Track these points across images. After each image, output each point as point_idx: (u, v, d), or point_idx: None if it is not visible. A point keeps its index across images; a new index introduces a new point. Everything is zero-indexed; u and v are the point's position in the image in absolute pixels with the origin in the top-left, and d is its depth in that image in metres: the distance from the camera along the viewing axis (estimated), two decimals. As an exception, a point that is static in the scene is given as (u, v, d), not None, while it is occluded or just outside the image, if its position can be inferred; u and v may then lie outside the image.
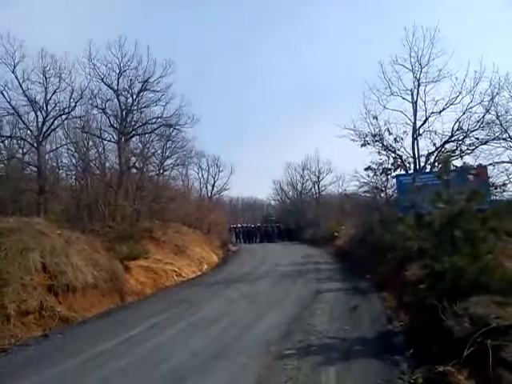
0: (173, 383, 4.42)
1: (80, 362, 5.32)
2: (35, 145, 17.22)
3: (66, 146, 19.38)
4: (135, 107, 20.17)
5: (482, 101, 14.25)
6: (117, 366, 5.11)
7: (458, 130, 14.79)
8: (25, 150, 18.97)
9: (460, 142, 14.93)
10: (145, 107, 20.58)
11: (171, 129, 21.69)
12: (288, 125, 68.25)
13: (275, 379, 4.37)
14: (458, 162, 14.34)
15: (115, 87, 19.41)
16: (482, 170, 12.98)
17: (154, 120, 20.75)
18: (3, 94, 16.43)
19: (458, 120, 14.74)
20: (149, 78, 19.64)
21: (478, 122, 14.36)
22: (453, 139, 14.99)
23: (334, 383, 4.20)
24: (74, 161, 19.92)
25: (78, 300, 8.44)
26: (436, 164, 14.84)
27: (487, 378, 3.49)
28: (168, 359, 5.26)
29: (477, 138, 14.53)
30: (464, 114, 14.62)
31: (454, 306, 4.96)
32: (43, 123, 17.24)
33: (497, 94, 14.05)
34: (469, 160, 14.57)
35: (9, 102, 16.68)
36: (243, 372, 4.68)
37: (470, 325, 4.47)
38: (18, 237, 8.36)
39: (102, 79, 19.16)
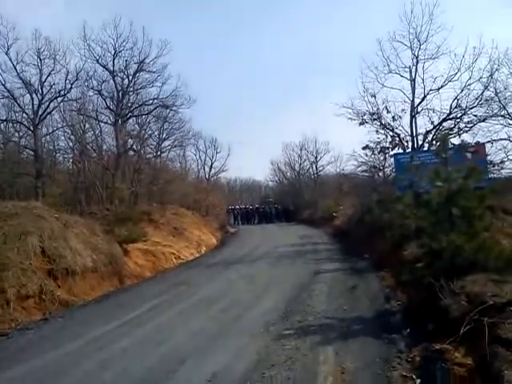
0: (173, 363, 4.43)
1: (81, 344, 5.36)
2: (31, 128, 17.14)
3: (62, 129, 19.32)
4: (131, 88, 20.06)
5: (481, 77, 14.06)
6: (117, 347, 5.14)
7: (456, 107, 14.66)
8: (21, 134, 18.93)
9: (458, 120, 14.83)
10: (141, 88, 20.47)
11: (168, 110, 21.60)
12: (286, 104, 67.94)
13: (275, 359, 4.40)
14: (455, 140, 14.28)
15: (111, 68, 19.24)
16: (479, 147, 12.88)
17: (150, 101, 20.67)
18: (-3, 77, 16.24)
19: (456, 97, 14.60)
20: (144, 58, 19.53)
21: (477, 99, 14.20)
22: (451, 117, 14.87)
23: (332, 362, 4.22)
24: (70, 144, 19.87)
25: (78, 283, 8.47)
26: (434, 142, 14.76)
27: (483, 355, 3.52)
28: (168, 340, 5.30)
29: (475, 116, 14.41)
30: (462, 91, 14.47)
31: (451, 285, 5.00)
32: (39, 106, 17.11)
33: (496, 70, 13.84)
34: (467, 138, 14.52)
35: (3, 85, 16.60)
36: (243, 352, 4.72)
37: (467, 303, 4.50)
38: (16, 221, 8.37)
39: (98, 60, 18.97)
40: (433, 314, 4.97)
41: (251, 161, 71.12)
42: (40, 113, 17.14)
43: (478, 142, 13.70)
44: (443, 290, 4.96)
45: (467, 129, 14.60)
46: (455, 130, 14.83)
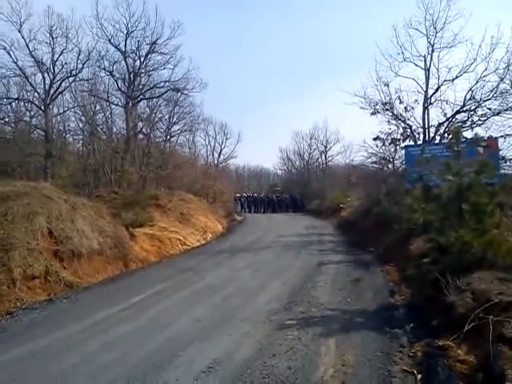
0: (176, 348, 4.45)
1: (85, 326, 5.40)
2: (42, 108, 17.09)
3: (73, 110, 19.21)
4: (143, 70, 19.97)
5: (497, 69, 13.78)
6: (121, 330, 5.18)
7: (470, 99, 14.40)
8: (32, 113, 18.86)
9: (472, 113, 14.55)
10: (153, 70, 20.37)
11: (179, 93, 21.50)
12: (297, 91, 67.40)
13: (276, 348, 4.40)
14: (468, 134, 14.05)
15: (123, 49, 19.19)
16: (492, 141, 12.66)
17: (161, 84, 20.57)
18: (10, 54, 16.25)
19: (470, 89, 14.35)
20: (157, 39, 19.44)
21: (492, 91, 13.94)
22: (464, 109, 14.62)
23: (333, 354, 4.22)
24: (81, 125, 19.75)
25: (83, 266, 8.53)
26: (446, 135, 14.57)
27: (487, 354, 3.49)
28: (171, 325, 5.32)
29: (489, 109, 14.15)
30: (477, 82, 14.22)
31: (457, 281, 4.96)
32: (50, 85, 17.07)
33: (513, 61, 13.50)
34: (480, 132, 14.26)
35: (15, 63, 16.48)
36: (245, 340, 4.72)
37: (472, 300, 4.47)
38: (24, 201, 8.42)
39: (110, 40, 18.93)
40: (437, 309, 4.95)
41: (261, 148, 71.01)
42: (51, 92, 17.10)
43: (491, 136, 13.48)
44: (449, 286, 4.93)
45: (481, 122, 14.36)
46: (468, 122, 14.61)
